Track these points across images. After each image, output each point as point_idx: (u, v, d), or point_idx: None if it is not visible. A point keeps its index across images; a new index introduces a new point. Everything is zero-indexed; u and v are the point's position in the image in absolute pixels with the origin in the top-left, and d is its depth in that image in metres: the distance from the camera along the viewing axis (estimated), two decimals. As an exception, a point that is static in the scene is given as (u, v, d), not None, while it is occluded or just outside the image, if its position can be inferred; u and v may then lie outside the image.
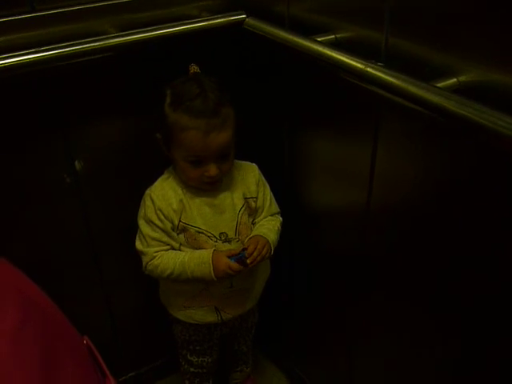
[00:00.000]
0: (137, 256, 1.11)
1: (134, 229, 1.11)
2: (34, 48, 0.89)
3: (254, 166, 1.17)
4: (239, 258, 1.06)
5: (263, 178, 1.17)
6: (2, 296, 0.50)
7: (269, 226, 1.15)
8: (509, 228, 0.73)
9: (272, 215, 1.18)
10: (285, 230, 1.19)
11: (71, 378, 0.54)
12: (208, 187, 1.08)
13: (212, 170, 1.02)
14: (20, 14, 0.92)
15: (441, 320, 0.92)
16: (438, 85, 0.70)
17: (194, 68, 1.03)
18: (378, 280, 1.05)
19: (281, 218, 1.20)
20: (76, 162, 1.11)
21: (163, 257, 1.08)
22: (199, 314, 1.19)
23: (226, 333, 1.32)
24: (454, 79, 0.72)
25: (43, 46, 0.89)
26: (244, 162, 1.16)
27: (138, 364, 1.52)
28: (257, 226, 1.16)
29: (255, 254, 1.06)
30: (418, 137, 0.83)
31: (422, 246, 0.90)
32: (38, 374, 0.47)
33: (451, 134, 0.75)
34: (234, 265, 1.05)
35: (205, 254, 1.07)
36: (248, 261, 1.05)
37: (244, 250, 1.07)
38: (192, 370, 1.36)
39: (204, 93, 0.98)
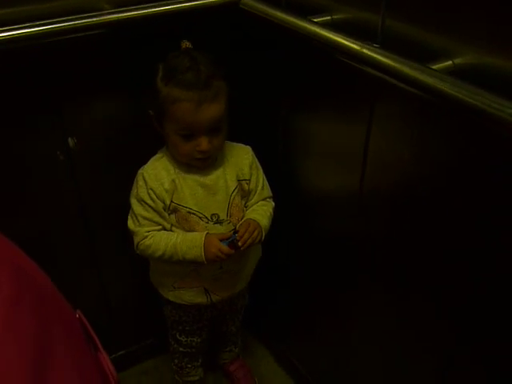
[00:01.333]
0: (130, 235, 1.11)
1: (127, 207, 1.10)
2: (28, 23, 0.88)
3: (248, 148, 1.16)
4: (230, 241, 1.06)
5: (257, 161, 1.17)
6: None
7: (260, 211, 1.15)
8: (505, 211, 0.74)
9: (264, 199, 1.18)
10: (279, 213, 1.19)
11: (64, 351, 0.54)
12: (199, 164, 1.07)
13: (203, 143, 1.01)
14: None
15: (436, 304, 0.93)
16: (434, 67, 0.71)
17: (185, 43, 1.03)
18: (373, 263, 1.06)
19: (273, 203, 1.20)
20: (69, 139, 1.11)
21: (155, 237, 1.08)
22: (188, 295, 1.19)
23: (216, 314, 1.33)
24: (450, 62, 0.72)
25: (38, 21, 0.89)
26: (238, 144, 1.16)
27: (128, 342, 1.53)
28: (249, 210, 1.16)
29: (246, 236, 1.06)
30: (413, 118, 0.83)
31: (417, 228, 0.91)
32: (33, 348, 0.47)
33: (446, 115, 0.76)
34: (225, 248, 1.05)
35: (197, 237, 1.07)
36: (239, 243, 1.06)
37: (235, 232, 1.07)
38: (181, 349, 1.37)
39: (196, 66, 0.97)
